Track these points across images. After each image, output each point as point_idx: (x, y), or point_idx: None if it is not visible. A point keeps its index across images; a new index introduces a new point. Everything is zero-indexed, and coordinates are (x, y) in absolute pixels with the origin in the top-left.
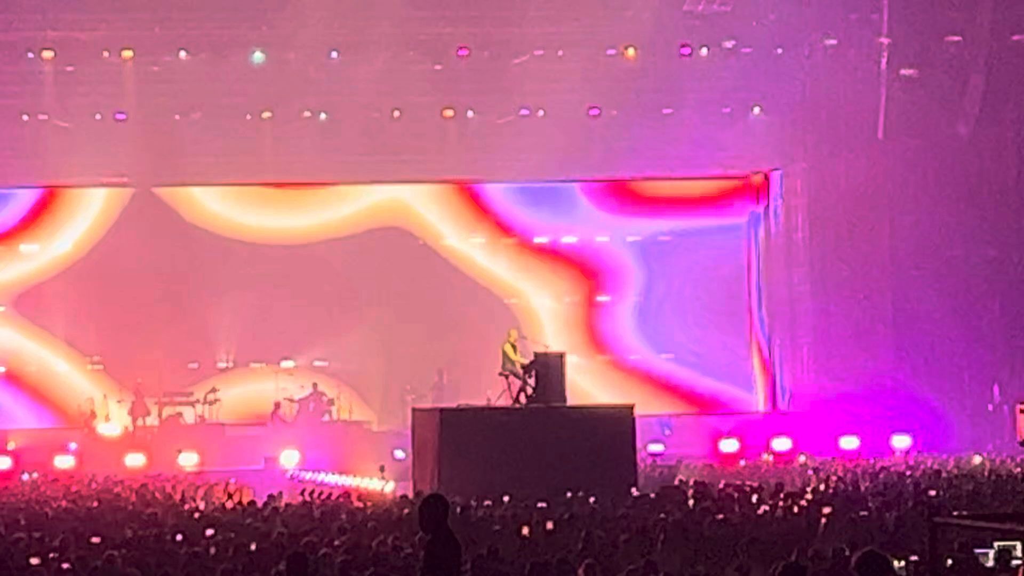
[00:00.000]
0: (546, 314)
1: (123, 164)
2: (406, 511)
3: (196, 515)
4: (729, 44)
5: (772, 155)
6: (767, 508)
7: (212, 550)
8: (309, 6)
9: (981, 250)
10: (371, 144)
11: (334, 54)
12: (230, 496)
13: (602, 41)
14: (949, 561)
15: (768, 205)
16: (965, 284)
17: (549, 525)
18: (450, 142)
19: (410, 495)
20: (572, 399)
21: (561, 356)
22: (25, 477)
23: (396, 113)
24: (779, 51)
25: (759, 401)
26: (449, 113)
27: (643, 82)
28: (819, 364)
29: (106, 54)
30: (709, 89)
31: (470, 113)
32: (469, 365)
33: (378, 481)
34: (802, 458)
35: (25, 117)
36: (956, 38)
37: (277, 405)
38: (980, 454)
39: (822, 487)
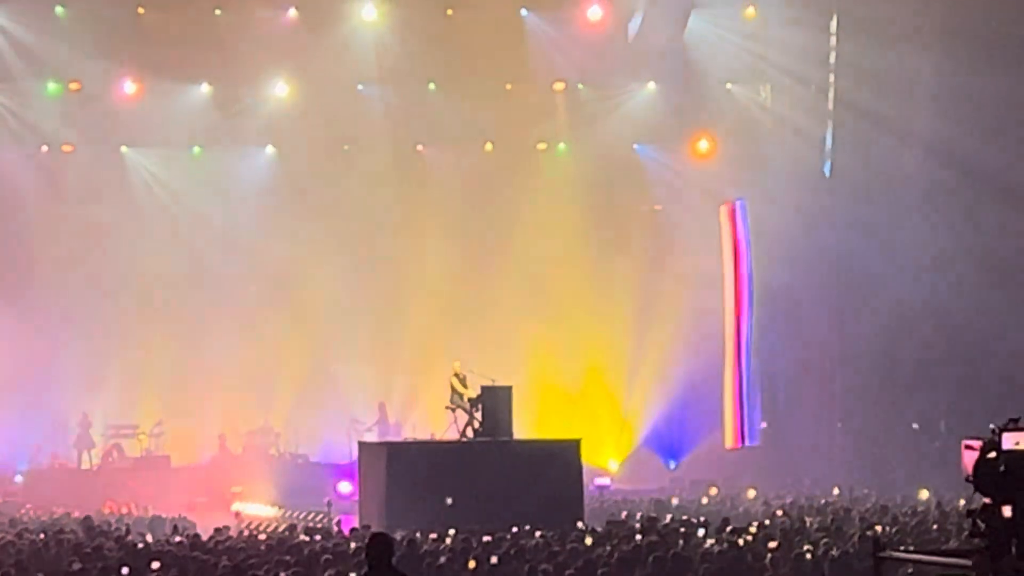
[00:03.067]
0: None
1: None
2: (353, 544)
3: (141, 547)
4: (678, 78)
5: (721, 189)
6: (713, 542)
7: None
8: (256, 40)
9: (928, 287)
10: (324, 178)
11: (282, 87)
12: (176, 529)
13: (550, 75)
14: None
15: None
16: (912, 320)
17: (495, 559)
18: (402, 176)
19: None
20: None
21: (508, 390)
22: None
23: (346, 147)
24: (729, 87)
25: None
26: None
27: (590, 115)
28: (769, 403)
29: (52, 85)
30: (656, 123)
31: (419, 147)
32: (412, 399)
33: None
34: (752, 492)
35: None
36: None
37: (223, 438)
38: (927, 488)
39: (767, 521)
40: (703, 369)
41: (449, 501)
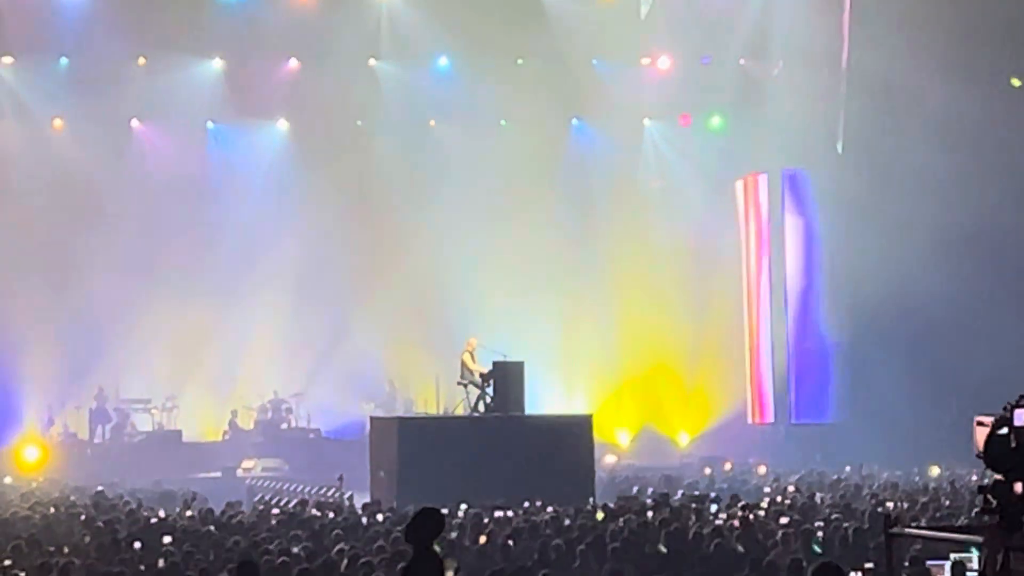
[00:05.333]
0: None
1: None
2: (365, 520)
3: (154, 522)
4: (690, 54)
5: (736, 164)
6: (724, 519)
7: (161, 562)
8: (268, 14)
9: (944, 262)
10: (328, 156)
11: (294, 62)
12: (187, 505)
13: (563, 51)
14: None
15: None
16: (920, 298)
17: (506, 534)
18: (415, 151)
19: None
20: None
21: (520, 365)
22: None
23: (359, 122)
24: (742, 62)
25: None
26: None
27: (603, 91)
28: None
29: (65, 60)
30: (668, 99)
31: (432, 122)
32: (422, 374)
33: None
34: (763, 469)
35: None
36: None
37: (234, 413)
38: (938, 465)
39: (779, 498)
40: (718, 342)
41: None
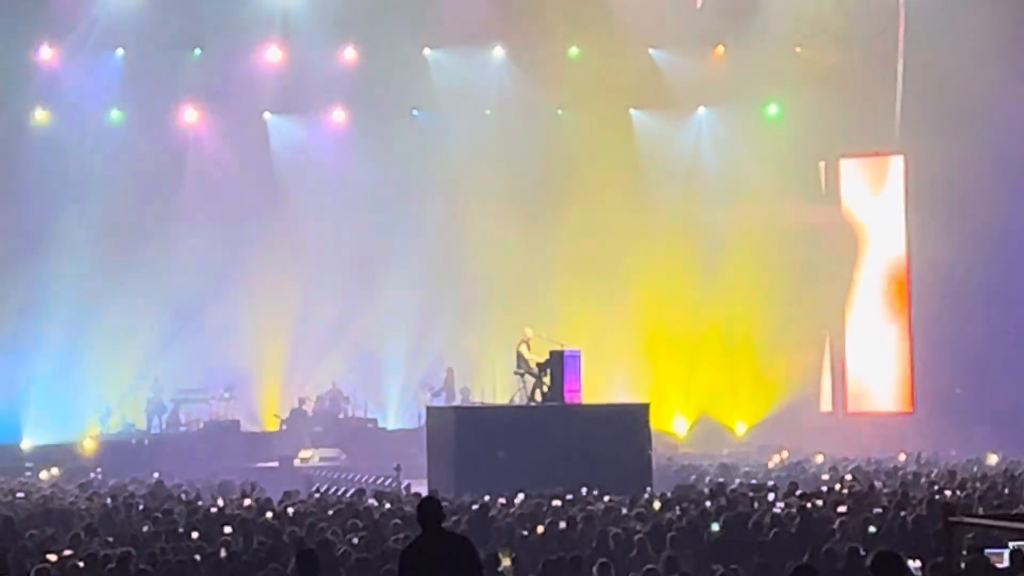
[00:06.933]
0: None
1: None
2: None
3: (212, 511)
4: (747, 42)
5: (794, 151)
6: (782, 507)
7: (223, 551)
8: (327, 5)
9: (998, 256)
10: (385, 146)
11: (351, 52)
12: (245, 494)
13: (619, 40)
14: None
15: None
16: (981, 290)
17: (563, 523)
18: (470, 140)
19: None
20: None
21: (576, 354)
22: (44, 475)
23: (415, 112)
24: (797, 50)
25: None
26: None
27: (658, 79)
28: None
29: (121, 52)
30: (725, 86)
31: (487, 111)
32: (479, 363)
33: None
34: (820, 458)
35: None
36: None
37: (295, 402)
38: (996, 452)
39: (837, 486)
40: (779, 329)
41: (501, 454)
